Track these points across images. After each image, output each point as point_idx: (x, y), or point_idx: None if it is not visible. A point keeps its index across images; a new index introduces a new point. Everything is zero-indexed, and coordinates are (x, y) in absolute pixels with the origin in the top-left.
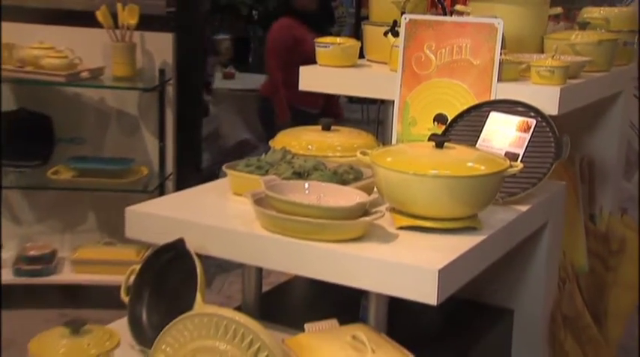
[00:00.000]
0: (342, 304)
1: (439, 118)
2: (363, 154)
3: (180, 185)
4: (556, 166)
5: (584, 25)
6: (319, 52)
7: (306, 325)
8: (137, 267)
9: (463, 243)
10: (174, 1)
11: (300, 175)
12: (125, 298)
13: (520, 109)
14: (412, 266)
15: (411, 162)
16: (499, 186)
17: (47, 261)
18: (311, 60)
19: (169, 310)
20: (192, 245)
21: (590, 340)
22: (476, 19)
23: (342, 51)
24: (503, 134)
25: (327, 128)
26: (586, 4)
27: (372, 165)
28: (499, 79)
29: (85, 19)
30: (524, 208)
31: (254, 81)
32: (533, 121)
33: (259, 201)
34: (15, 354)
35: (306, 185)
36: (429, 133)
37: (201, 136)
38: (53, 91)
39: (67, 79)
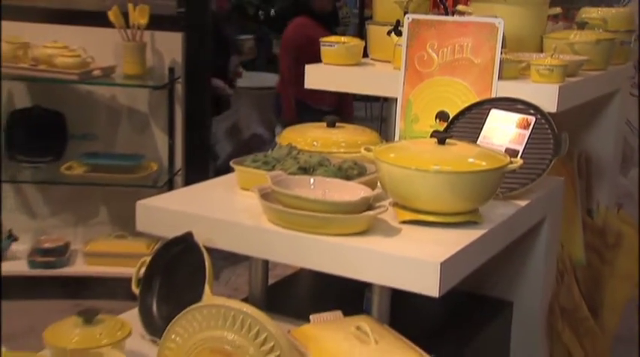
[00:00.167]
0: (346, 296)
1: (441, 116)
2: (367, 150)
3: (188, 180)
4: (554, 163)
5: (582, 25)
6: (324, 51)
7: (311, 317)
8: (147, 259)
9: (464, 237)
10: (184, 1)
11: (305, 170)
12: (136, 290)
13: (520, 106)
14: (415, 259)
15: (414, 158)
16: (499, 181)
17: (61, 253)
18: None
19: (179, 301)
20: (201, 238)
21: (588, 331)
22: (477, 19)
23: (347, 50)
24: (504, 131)
25: (331, 125)
26: (584, 5)
27: (375, 161)
28: (499, 78)
29: (97, 19)
30: (523, 203)
31: (260, 79)
32: (532, 119)
33: (266, 195)
34: (31, 342)
35: (312, 180)
36: (431, 130)
37: (209, 132)
38: (66, 88)
39: (80, 77)
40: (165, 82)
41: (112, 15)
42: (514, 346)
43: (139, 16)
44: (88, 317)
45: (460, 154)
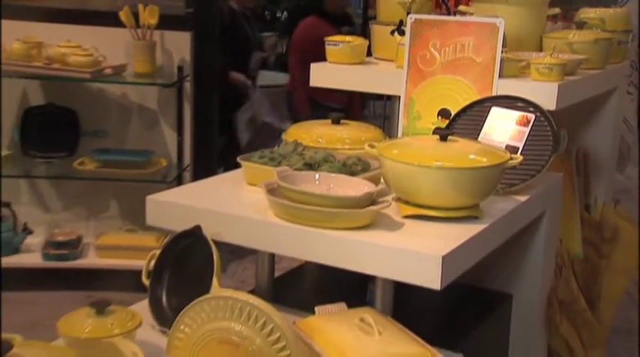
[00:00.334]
0: (351, 288)
1: (443, 113)
2: (371, 146)
3: (197, 176)
4: (553, 159)
5: (580, 25)
6: (329, 50)
7: (316, 308)
8: (157, 252)
9: (465, 231)
10: (192, 2)
11: (310, 166)
12: (146, 282)
13: (520, 104)
14: (417, 253)
15: (416, 154)
16: (500, 177)
17: (73, 246)
18: None
19: (187, 292)
20: (209, 232)
21: (585, 323)
22: (478, 19)
23: (351, 49)
24: (504, 128)
25: (336, 122)
26: (583, 5)
27: (379, 157)
28: (500, 76)
29: (108, 19)
30: (523, 198)
31: (266, 78)
32: (532, 116)
33: (272, 191)
34: (46, 332)
35: (317, 176)
36: (434, 127)
37: (216, 129)
38: (79, 87)
39: (92, 75)
40: (175, 80)
41: (123, 15)
42: (513, 337)
43: (149, 16)
44: (100, 308)
45: (461, 151)
